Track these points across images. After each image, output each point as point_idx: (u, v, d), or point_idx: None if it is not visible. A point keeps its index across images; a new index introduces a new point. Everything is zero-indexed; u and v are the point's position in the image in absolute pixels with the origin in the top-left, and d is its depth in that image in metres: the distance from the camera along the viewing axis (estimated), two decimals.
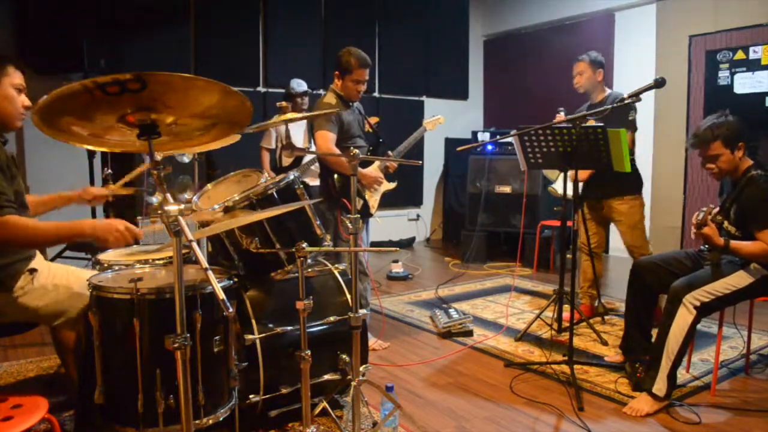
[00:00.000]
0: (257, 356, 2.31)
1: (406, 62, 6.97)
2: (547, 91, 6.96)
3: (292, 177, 2.51)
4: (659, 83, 2.85)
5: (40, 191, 4.86)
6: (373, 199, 3.50)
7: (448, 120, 4.52)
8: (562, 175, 3.21)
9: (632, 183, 3.73)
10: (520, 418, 2.60)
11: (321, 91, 5.29)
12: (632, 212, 3.69)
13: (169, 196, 1.39)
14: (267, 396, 2.35)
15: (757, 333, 3.60)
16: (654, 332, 2.86)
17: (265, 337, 2.34)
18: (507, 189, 6.02)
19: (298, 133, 4.84)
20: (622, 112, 3.61)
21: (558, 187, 5.24)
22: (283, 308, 2.43)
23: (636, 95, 3.07)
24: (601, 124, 3.28)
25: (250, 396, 2.31)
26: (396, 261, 5.51)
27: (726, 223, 2.69)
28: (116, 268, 2.29)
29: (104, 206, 4.43)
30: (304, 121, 4.34)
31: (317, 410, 2.39)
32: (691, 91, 5.68)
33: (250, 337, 2.30)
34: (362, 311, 2.24)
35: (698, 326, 2.66)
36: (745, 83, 5.27)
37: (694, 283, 2.63)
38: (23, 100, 2.12)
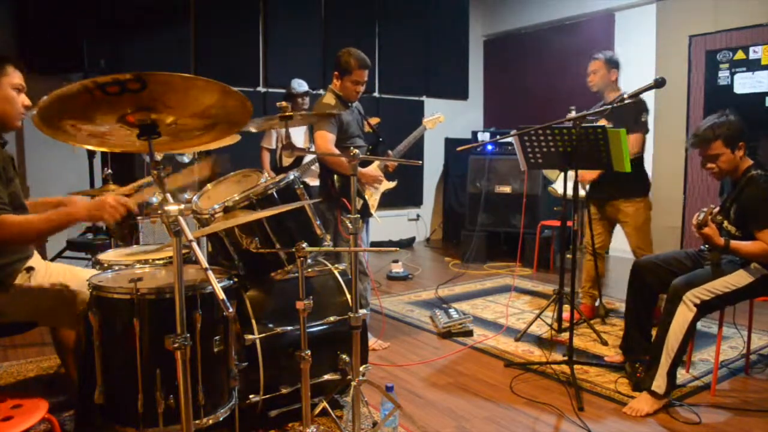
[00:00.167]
0: (257, 356, 2.31)
1: (406, 62, 6.97)
2: (547, 91, 6.97)
3: (292, 177, 2.51)
4: (659, 83, 2.85)
5: (40, 191, 4.89)
6: (373, 199, 3.50)
7: (448, 120, 4.52)
8: (562, 175, 3.21)
9: (640, 185, 3.73)
10: (520, 418, 2.60)
11: (321, 91, 5.29)
12: (639, 214, 3.69)
13: (169, 196, 1.39)
14: (267, 396, 2.35)
15: (757, 333, 3.60)
16: (654, 332, 2.87)
17: (265, 337, 2.34)
18: (507, 189, 6.02)
19: (298, 134, 4.84)
20: (634, 114, 3.61)
21: (558, 187, 5.25)
22: (283, 308, 2.43)
23: (636, 95, 3.07)
24: (602, 124, 3.28)
25: (250, 396, 2.31)
26: (396, 261, 5.51)
27: (726, 223, 2.69)
28: (116, 268, 2.29)
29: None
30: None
31: (317, 410, 2.39)
32: (691, 91, 5.68)
33: (250, 337, 2.30)
34: (362, 311, 2.24)
35: (698, 326, 2.66)
36: (745, 83, 5.27)
37: (694, 281, 2.64)
38: (23, 99, 2.11)
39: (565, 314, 3.53)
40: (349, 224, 2.20)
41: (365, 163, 3.44)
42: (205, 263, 1.33)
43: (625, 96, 3.06)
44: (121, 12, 4.97)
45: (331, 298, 2.60)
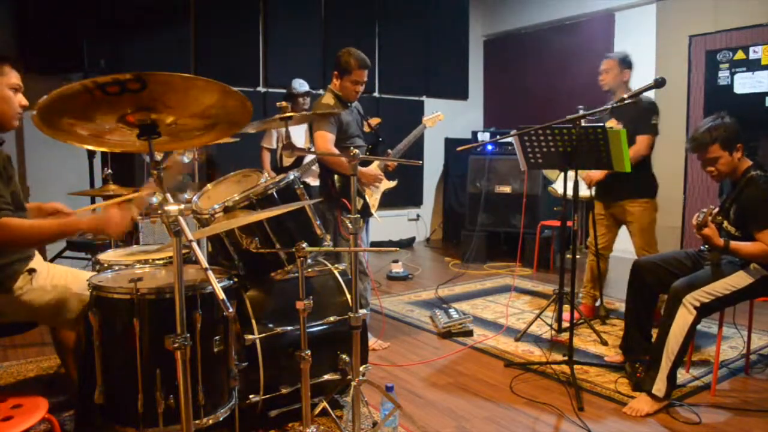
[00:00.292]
0: (257, 356, 2.31)
1: (406, 62, 6.97)
2: (547, 91, 6.97)
3: (292, 177, 2.51)
4: (659, 83, 2.86)
5: (40, 191, 4.89)
6: (374, 198, 3.50)
7: (448, 120, 4.52)
8: (562, 175, 3.21)
9: (648, 186, 3.73)
10: (520, 418, 2.60)
11: (321, 91, 5.29)
12: (644, 214, 3.67)
13: (169, 196, 1.39)
14: (267, 396, 2.35)
15: (757, 333, 3.60)
16: (654, 332, 2.87)
17: (265, 337, 2.34)
18: (507, 189, 6.02)
19: (299, 134, 4.84)
20: (646, 116, 3.61)
21: (558, 187, 5.25)
22: (283, 308, 2.43)
23: (636, 95, 3.07)
24: (602, 124, 3.28)
25: (250, 396, 2.31)
26: (396, 261, 5.51)
27: (726, 224, 2.70)
28: (116, 268, 2.29)
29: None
30: None
31: (317, 410, 2.39)
32: (691, 91, 5.68)
33: (250, 337, 2.30)
34: (362, 311, 2.24)
35: (698, 326, 2.66)
36: (745, 83, 5.27)
37: (694, 284, 2.64)
38: (20, 99, 2.10)
39: (565, 314, 3.52)
40: (349, 224, 2.20)
41: (365, 163, 3.44)
42: (205, 263, 1.33)
43: (626, 96, 3.06)
44: (121, 12, 4.97)
45: (331, 298, 2.60)
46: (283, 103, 2.36)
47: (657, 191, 3.77)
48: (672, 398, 2.66)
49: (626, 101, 3.03)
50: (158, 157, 1.51)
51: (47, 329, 2.50)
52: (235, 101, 1.49)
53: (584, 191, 5.03)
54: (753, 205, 2.60)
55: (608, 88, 3.78)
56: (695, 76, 5.63)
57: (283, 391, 2.37)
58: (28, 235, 1.99)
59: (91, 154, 4.58)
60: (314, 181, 4.59)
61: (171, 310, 1.42)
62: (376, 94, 6.82)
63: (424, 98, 7.21)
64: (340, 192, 3.28)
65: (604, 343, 3.48)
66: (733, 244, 2.57)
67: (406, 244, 7.03)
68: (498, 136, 6.17)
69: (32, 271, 2.16)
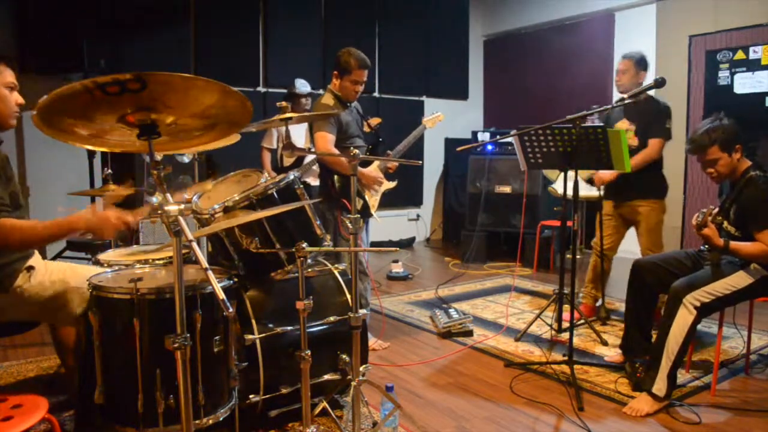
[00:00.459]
0: (257, 356, 2.31)
1: (406, 62, 6.97)
2: (547, 91, 6.97)
3: (292, 177, 2.51)
4: (659, 83, 2.86)
5: (40, 191, 4.90)
6: (374, 199, 3.50)
7: (448, 120, 4.52)
8: (562, 175, 3.21)
9: (658, 186, 3.73)
10: (520, 418, 2.60)
11: (321, 91, 5.29)
12: (652, 214, 3.67)
13: (169, 196, 1.39)
14: (267, 396, 2.35)
15: (757, 333, 3.60)
16: (654, 332, 2.87)
17: (265, 337, 2.34)
18: (507, 189, 6.02)
19: (299, 133, 4.84)
20: (660, 119, 3.60)
21: (558, 187, 5.25)
22: (283, 308, 2.43)
23: (636, 95, 3.07)
24: (602, 124, 3.28)
25: (250, 396, 2.31)
26: (396, 261, 5.51)
27: (726, 224, 2.70)
28: (116, 268, 2.29)
29: (104, 206, 4.44)
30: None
31: (317, 410, 2.39)
32: (691, 91, 5.68)
33: (250, 337, 2.30)
34: (362, 311, 2.24)
35: (698, 326, 2.66)
36: (745, 83, 5.27)
37: (694, 284, 2.64)
38: (16, 98, 2.10)
39: (565, 314, 3.52)
40: (349, 224, 2.20)
41: (365, 164, 3.44)
42: (205, 263, 1.33)
43: (626, 96, 3.06)
44: (121, 12, 4.97)
45: (331, 298, 2.60)
46: (283, 103, 2.36)
47: (667, 192, 3.77)
48: (672, 398, 2.66)
49: (626, 101, 3.04)
50: (158, 157, 1.50)
51: (47, 329, 2.50)
52: (235, 101, 1.49)
53: (587, 191, 5.05)
54: (753, 205, 2.60)
55: (624, 90, 3.70)
56: (695, 76, 5.64)
57: (283, 391, 2.37)
58: (25, 235, 1.98)
59: (91, 154, 4.58)
60: (315, 181, 4.59)
61: (171, 310, 1.42)
62: (376, 94, 6.82)
63: (424, 98, 7.21)
64: (340, 192, 3.28)
65: (604, 343, 3.48)
66: (733, 244, 2.57)
67: (406, 244, 7.03)
68: (498, 136, 6.17)
69: (30, 268, 2.16)
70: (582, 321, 3.74)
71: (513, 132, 3.19)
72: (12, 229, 1.95)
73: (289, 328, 2.38)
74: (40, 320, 2.31)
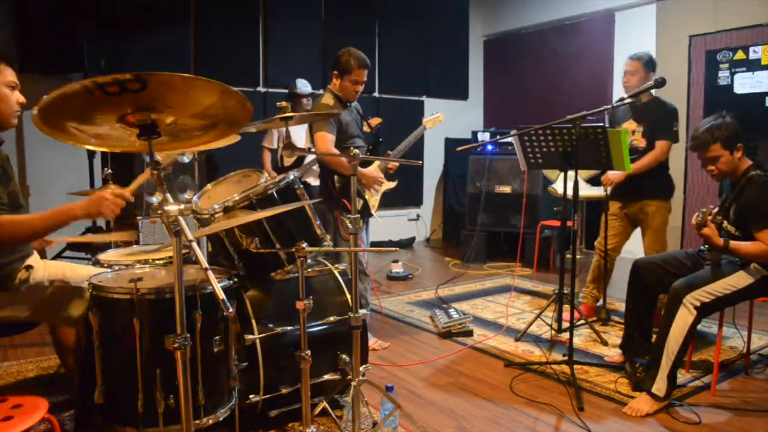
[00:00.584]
0: (257, 356, 2.31)
1: (406, 62, 6.97)
2: (547, 91, 6.97)
3: (292, 177, 2.51)
4: (659, 83, 2.86)
5: (40, 191, 4.89)
6: (374, 199, 3.50)
7: (448, 120, 4.52)
8: (562, 175, 3.21)
9: (666, 187, 3.74)
10: (520, 418, 2.60)
11: (321, 91, 5.30)
12: (658, 214, 3.67)
13: (169, 196, 1.39)
14: (267, 396, 2.35)
15: (757, 333, 3.60)
16: (654, 332, 2.86)
17: (265, 337, 2.34)
18: (507, 189, 6.02)
19: (300, 133, 4.84)
20: (668, 122, 3.59)
21: (558, 187, 5.24)
22: (283, 308, 2.43)
23: (636, 95, 3.07)
24: (601, 124, 3.28)
25: (250, 396, 2.31)
26: (396, 261, 5.51)
27: (726, 223, 2.70)
28: (116, 268, 2.29)
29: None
30: None
31: (317, 410, 2.39)
32: (691, 91, 5.67)
33: (250, 337, 2.30)
34: (362, 311, 2.24)
35: (698, 326, 2.66)
36: (745, 83, 5.27)
37: (694, 284, 2.63)
38: (17, 97, 2.09)
39: (565, 314, 3.52)
40: (349, 224, 2.20)
41: (365, 164, 3.44)
42: (205, 263, 1.33)
43: (625, 96, 3.06)
44: (121, 12, 4.97)
45: (331, 298, 2.60)
46: (283, 103, 2.36)
47: (673, 192, 3.78)
48: (672, 398, 2.66)
49: (626, 101, 3.03)
50: (158, 157, 1.50)
51: (47, 329, 2.50)
52: (235, 101, 1.49)
53: (587, 191, 5.05)
54: (753, 204, 2.60)
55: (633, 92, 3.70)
56: (695, 76, 5.63)
57: (283, 391, 2.37)
58: (22, 228, 1.97)
59: (91, 154, 4.58)
60: (315, 181, 4.59)
61: (171, 310, 1.42)
62: (376, 94, 6.82)
63: (424, 98, 7.21)
64: (340, 192, 3.28)
65: (604, 343, 3.48)
66: (733, 243, 2.57)
67: (406, 244, 7.03)
68: (498, 136, 6.17)
69: (29, 267, 2.16)
70: (582, 321, 3.74)
71: (513, 132, 3.19)
72: (8, 224, 1.95)
73: (289, 328, 2.38)
74: (39, 320, 2.31)
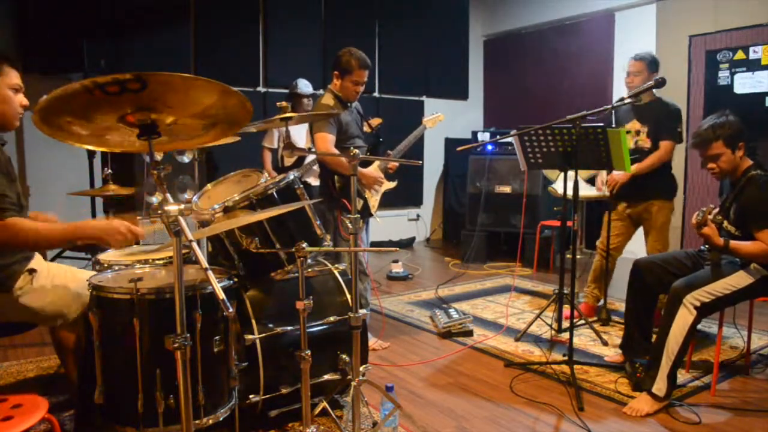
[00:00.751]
0: (257, 356, 2.31)
1: (406, 62, 6.97)
2: (547, 91, 6.97)
3: (292, 177, 2.51)
4: (659, 83, 2.86)
5: (40, 191, 4.89)
6: (374, 199, 3.50)
7: (448, 120, 4.52)
8: (562, 175, 3.21)
9: (669, 188, 3.75)
10: (520, 418, 2.60)
11: (321, 91, 5.30)
12: (661, 214, 3.67)
13: (169, 196, 1.39)
14: (267, 396, 2.35)
15: (757, 333, 3.60)
16: (654, 332, 2.86)
17: (265, 337, 2.34)
18: (507, 189, 6.02)
19: (300, 133, 4.84)
20: (673, 122, 3.60)
21: (558, 187, 5.24)
22: (283, 308, 2.43)
23: (636, 95, 3.07)
24: (601, 124, 3.28)
25: (250, 396, 2.31)
26: (396, 261, 5.51)
27: (726, 223, 2.70)
28: (116, 268, 2.29)
29: (104, 206, 4.44)
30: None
31: (317, 410, 2.39)
32: (691, 91, 5.67)
33: (250, 337, 2.30)
34: (362, 311, 2.24)
35: (698, 326, 2.66)
36: (745, 83, 5.27)
37: (694, 284, 2.63)
38: (21, 99, 2.10)
39: (566, 314, 3.52)
40: (349, 224, 2.20)
41: (365, 164, 3.44)
42: (205, 263, 1.33)
43: (626, 96, 3.06)
44: (121, 12, 4.97)
45: (331, 298, 2.60)
46: (284, 103, 2.36)
47: (676, 192, 3.79)
48: (672, 398, 2.66)
49: (626, 101, 3.03)
50: (158, 157, 1.50)
51: (47, 329, 2.50)
52: (235, 101, 1.49)
53: (587, 191, 5.05)
54: (753, 204, 2.60)
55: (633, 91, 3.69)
56: (695, 76, 5.63)
57: (283, 391, 2.37)
58: (32, 237, 1.99)
59: (91, 154, 4.58)
60: (315, 181, 4.59)
61: (171, 310, 1.42)
62: (376, 94, 6.82)
63: (424, 98, 7.20)
64: (341, 192, 3.28)
65: (604, 343, 3.48)
66: (733, 243, 2.57)
67: (406, 244, 7.03)
68: (498, 136, 6.17)
69: (32, 271, 2.16)
70: (582, 321, 3.74)
71: (513, 132, 3.19)
72: (20, 230, 1.96)
73: (289, 328, 2.38)
74: (38, 323, 2.31)
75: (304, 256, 1.98)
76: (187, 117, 1.53)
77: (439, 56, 7.24)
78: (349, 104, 3.40)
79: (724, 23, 5.39)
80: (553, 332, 3.60)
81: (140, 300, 1.89)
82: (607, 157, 3.03)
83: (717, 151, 2.66)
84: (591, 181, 5.17)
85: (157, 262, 2.35)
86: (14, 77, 2.08)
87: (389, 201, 3.83)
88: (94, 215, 4.58)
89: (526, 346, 3.49)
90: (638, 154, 3.62)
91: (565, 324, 3.43)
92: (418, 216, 7.38)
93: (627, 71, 3.72)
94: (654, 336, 2.84)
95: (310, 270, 2.65)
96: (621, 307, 3.98)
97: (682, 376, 2.98)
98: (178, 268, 1.40)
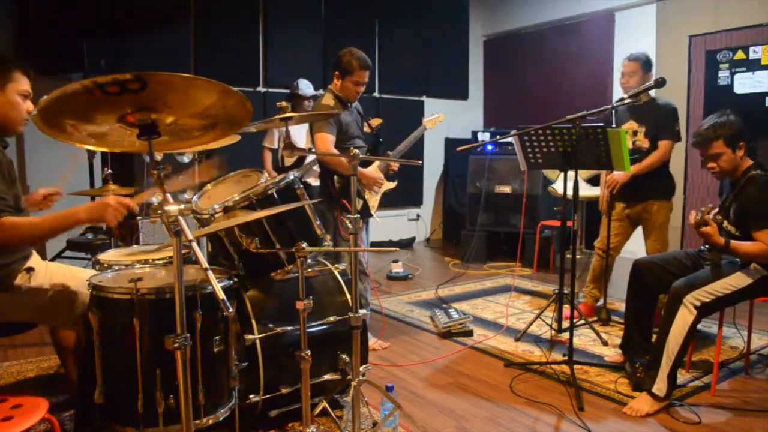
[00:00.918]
0: (257, 356, 2.31)
1: (406, 62, 6.97)
2: (547, 91, 6.97)
3: (291, 177, 2.51)
4: (659, 83, 2.86)
5: None
6: (374, 200, 3.50)
7: (448, 120, 4.52)
8: (562, 175, 3.21)
9: (667, 188, 3.75)
10: (520, 418, 2.60)
11: (321, 91, 5.30)
12: (660, 214, 3.67)
13: (169, 196, 1.39)
14: (267, 396, 2.35)
15: (757, 333, 3.60)
16: (655, 332, 2.86)
17: (265, 337, 2.34)
18: (507, 189, 6.02)
19: (300, 133, 4.84)
20: (670, 121, 3.60)
21: (558, 187, 5.24)
22: (283, 308, 2.43)
23: (636, 95, 3.07)
24: (601, 124, 3.28)
25: (250, 396, 2.31)
26: (396, 261, 5.51)
27: (726, 223, 2.70)
28: (116, 268, 2.29)
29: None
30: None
31: (317, 410, 2.39)
32: (691, 91, 5.67)
33: (250, 337, 2.30)
34: (362, 311, 2.24)
35: (698, 326, 2.66)
36: (745, 83, 5.27)
37: (694, 283, 2.63)
38: (28, 106, 2.10)
39: (566, 314, 3.52)
40: (349, 224, 2.20)
41: (365, 164, 3.44)
42: (205, 263, 1.33)
43: (626, 96, 3.06)
44: (121, 12, 4.97)
45: (331, 298, 2.60)
46: (284, 103, 2.36)
47: (675, 191, 3.79)
48: (672, 398, 2.66)
49: (626, 101, 3.03)
50: (158, 157, 1.51)
51: (47, 329, 2.50)
52: (235, 101, 1.49)
53: (587, 191, 5.05)
54: (753, 204, 2.60)
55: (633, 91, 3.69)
56: (695, 76, 5.63)
57: (283, 391, 2.37)
58: (27, 231, 1.98)
59: (91, 154, 4.58)
60: (315, 182, 4.58)
61: (171, 310, 1.42)
62: (376, 94, 6.82)
63: (424, 98, 7.21)
64: (340, 192, 3.28)
65: (604, 343, 3.48)
66: (733, 243, 2.57)
67: (406, 244, 7.03)
68: (498, 136, 6.17)
69: (30, 269, 2.16)
70: (582, 321, 3.74)
71: (513, 132, 3.19)
72: (12, 227, 1.95)
73: (289, 328, 2.38)
74: (38, 322, 2.31)
75: (304, 256, 1.98)
76: (187, 117, 1.53)
77: (439, 56, 7.24)
78: (349, 104, 3.39)
79: (724, 23, 5.39)
80: (553, 332, 3.60)
81: (140, 300, 1.89)
82: (607, 157, 3.03)
83: (717, 151, 2.66)
84: (591, 181, 5.17)
85: (157, 262, 2.35)
86: (24, 83, 2.09)
87: (389, 201, 3.83)
88: None
89: (526, 346, 3.50)
90: (637, 154, 3.62)
91: (565, 324, 3.43)
92: (418, 216, 7.38)
93: (621, 72, 3.73)
94: (654, 336, 2.84)
95: (310, 270, 2.65)
96: (621, 307, 3.98)
97: (682, 376, 2.98)
98: (178, 268, 1.40)
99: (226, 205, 2.31)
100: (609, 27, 6.38)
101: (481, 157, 6.17)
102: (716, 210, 2.62)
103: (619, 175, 3.66)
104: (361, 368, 2.22)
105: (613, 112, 3.79)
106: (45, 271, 2.21)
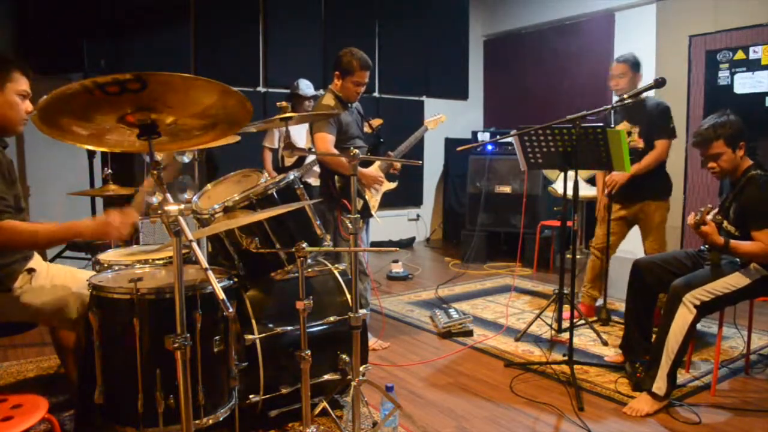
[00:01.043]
0: (257, 356, 2.31)
1: (406, 62, 6.97)
2: (547, 91, 6.97)
3: (292, 177, 2.51)
4: (659, 83, 2.86)
5: (40, 191, 4.89)
6: (374, 200, 3.50)
7: (448, 120, 4.52)
8: (562, 175, 3.21)
9: (666, 187, 3.76)
10: (520, 418, 2.60)
11: (321, 91, 5.30)
12: (657, 213, 3.68)
13: (169, 196, 1.39)
14: (267, 396, 2.35)
15: (757, 333, 3.60)
16: (654, 332, 2.86)
17: (265, 337, 2.34)
18: (507, 189, 6.02)
19: (301, 133, 4.84)
20: (665, 120, 3.61)
21: (558, 187, 5.24)
22: (283, 308, 2.43)
23: (636, 95, 3.07)
24: (601, 124, 3.28)
25: (250, 396, 2.31)
26: (396, 261, 5.51)
27: (725, 223, 2.70)
28: (116, 268, 2.29)
29: (104, 206, 4.44)
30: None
31: (317, 410, 2.39)
32: (691, 91, 5.67)
33: (250, 337, 2.30)
34: (362, 311, 2.24)
35: (698, 326, 2.66)
36: (745, 83, 5.27)
37: (693, 283, 2.64)
38: (27, 106, 2.11)
39: (566, 314, 3.52)
40: (349, 224, 2.20)
41: (366, 164, 3.44)
42: (205, 263, 1.33)
43: (626, 96, 3.06)
44: (121, 12, 4.97)
45: (331, 298, 2.60)
46: (284, 103, 2.36)
47: (671, 191, 3.79)
48: (672, 398, 2.66)
49: (626, 101, 3.03)
50: (158, 157, 1.51)
51: (47, 329, 2.50)
52: (235, 101, 1.49)
53: (587, 191, 5.04)
54: (753, 204, 2.60)
55: (622, 94, 3.69)
56: (695, 76, 5.63)
57: (283, 391, 2.37)
58: (27, 238, 2.00)
59: (91, 154, 4.58)
60: (316, 182, 4.58)
61: (171, 310, 1.42)
62: (376, 94, 6.82)
63: (424, 98, 7.20)
64: (341, 192, 3.28)
65: (604, 343, 3.48)
66: (733, 242, 2.57)
67: (406, 244, 7.03)
68: (498, 136, 6.17)
69: (31, 270, 2.17)
70: (582, 321, 3.74)
71: (513, 132, 3.19)
72: (14, 232, 1.96)
73: (289, 328, 2.38)
74: (38, 323, 2.31)
75: (304, 256, 1.98)
76: (187, 117, 1.53)
77: (439, 56, 7.24)
78: (349, 104, 3.39)
79: (724, 23, 5.39)
80: (553, 332, 3.60)
81: (140, 300, 1.89)
82: (606, 157, 3.03)
83: (717, 151, 2.66)
84: (591, 181, 5.17)
85: (157, 262, 2.35)
86: (23, 84, 2.09)
87: (389, 201, 3.83)
88: (94, 212, 4.58)
89: (526, 346, 3.50)
90: (633, 155, 3.62)
91: (565, 324, 3.43)
92: (418, 216, 7.38)
93: (611, 74, 3.74)
94: (654, 336, 2.84)
95: (310, 270, 2.65)
96: (621, 307, 3.98)
97: (682, 376, 2.98)
98: (178, 268, 1.40)
99: (226, 205, 2.31)
100: (609, 27, 6.38)
101: (481, 157, 6.17)
102: (716, 210, 2.62)
103: (618, 176, 3.66)
104: (361, 368, 2.22)
105: (612, 112, 3.80)
106: (47, 273, 2.21)
